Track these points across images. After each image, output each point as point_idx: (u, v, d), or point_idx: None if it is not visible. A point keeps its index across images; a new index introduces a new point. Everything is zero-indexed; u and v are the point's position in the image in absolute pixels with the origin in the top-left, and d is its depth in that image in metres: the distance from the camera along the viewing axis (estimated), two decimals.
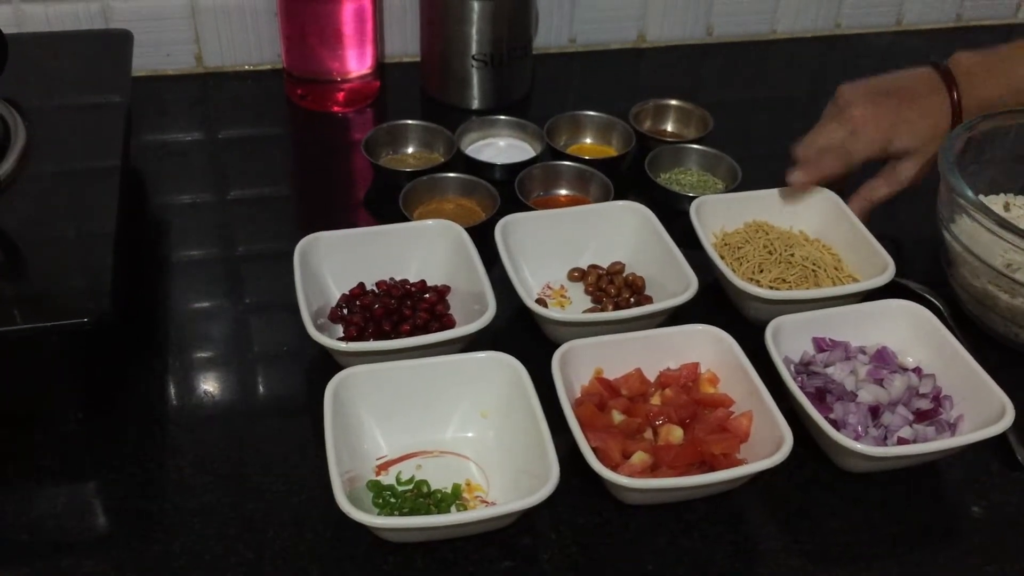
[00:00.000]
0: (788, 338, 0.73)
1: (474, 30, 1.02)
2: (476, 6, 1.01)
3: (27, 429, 0.69)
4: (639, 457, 0.65)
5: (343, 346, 0.70)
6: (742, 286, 0.76)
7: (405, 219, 0.86)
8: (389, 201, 0.90)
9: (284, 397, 0.74)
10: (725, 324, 0.73)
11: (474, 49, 1.03)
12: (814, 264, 0.82)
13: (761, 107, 1.13)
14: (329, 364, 0.72)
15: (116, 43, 0.92)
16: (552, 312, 0.75)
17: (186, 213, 0.92)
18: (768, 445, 0.65)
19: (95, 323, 0.62)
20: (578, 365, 0.71)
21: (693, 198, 0.85)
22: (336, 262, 0.79)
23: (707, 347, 0.72)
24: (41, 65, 0.89)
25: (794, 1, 1.22)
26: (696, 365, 0.72)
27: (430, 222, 0.81)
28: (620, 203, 0.85)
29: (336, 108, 1.06)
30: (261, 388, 0.75)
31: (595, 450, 0.64)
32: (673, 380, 0.71)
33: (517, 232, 0.81)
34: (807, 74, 1.21)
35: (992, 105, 0.85)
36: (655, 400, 0.70)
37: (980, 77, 0.85)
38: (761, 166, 0.94)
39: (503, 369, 0.68)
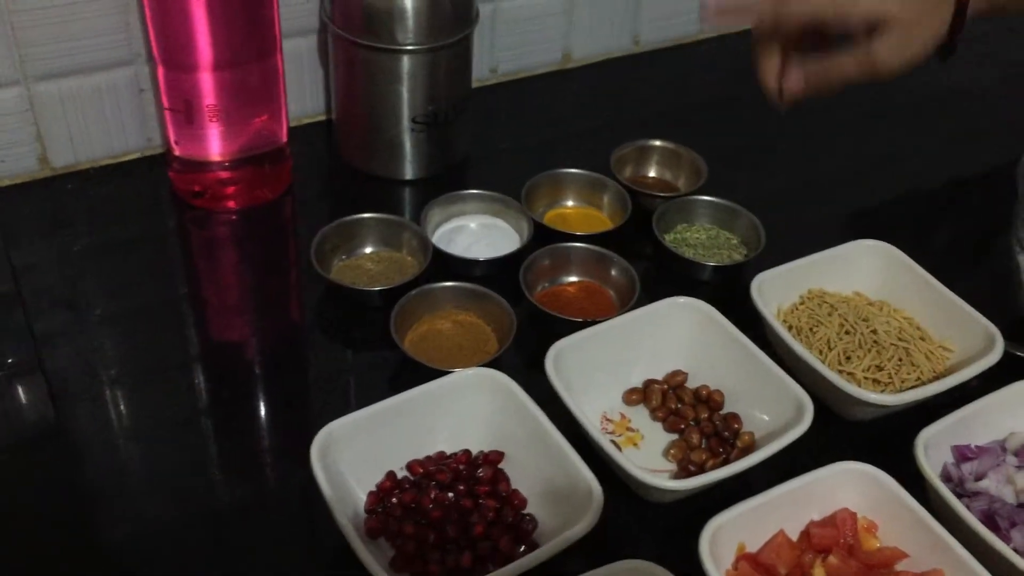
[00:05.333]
0: (933, 452, 0.62)
1: (405, 89, 0.83)
2: (407, 61, 0.81)
3: None
4: None
5: None
6: (857, 394, 0.64)
7: (390, 343, 0.68)
8: (356, 321, 0.74)
9: None
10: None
11: (407, 111, 0.84)
12: (900, 339, 0.71)
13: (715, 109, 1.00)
14: None
15: None
16: (673, 482, 0.59)
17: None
18: None
19: None
20: (719, 546, 0.56)
21: (723, 267, 0.78)
22: (355, 454, 0.60)
23: (854, 487, 0.60)
24: None
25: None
26: (852, 516, 0.59)
27: (469, 373, 0.63)
28: (670, 301, 0.69)
29: (234, 204, 0.83)
30: None
31: None
32: (831, 541, 0.58)
33: (567, 360, 0.65)
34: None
35: None
36: (818, 572, 0.57)
37: None
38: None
39: None
